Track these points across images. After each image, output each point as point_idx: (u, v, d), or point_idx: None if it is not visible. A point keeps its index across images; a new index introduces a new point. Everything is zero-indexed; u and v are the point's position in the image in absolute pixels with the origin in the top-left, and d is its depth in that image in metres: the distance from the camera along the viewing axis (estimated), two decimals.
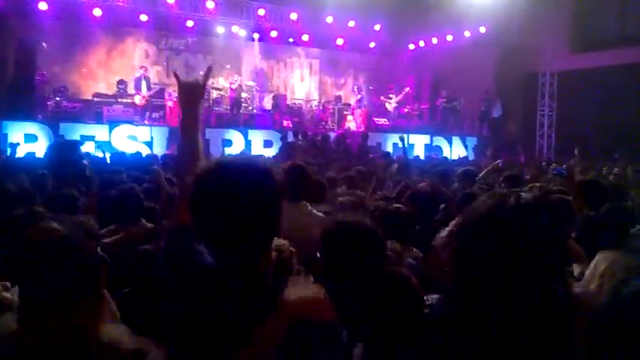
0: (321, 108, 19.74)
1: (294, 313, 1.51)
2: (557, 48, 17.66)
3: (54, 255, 1.56)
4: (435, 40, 20.55)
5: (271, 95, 19.86)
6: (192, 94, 2.10)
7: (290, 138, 14.70)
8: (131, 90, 16.82)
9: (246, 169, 1.61)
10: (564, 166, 6.28)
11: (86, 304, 1.58)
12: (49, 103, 15.49)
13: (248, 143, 15.52)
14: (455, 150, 17.55)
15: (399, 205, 3.98)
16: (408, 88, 20.15)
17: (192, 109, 2.08)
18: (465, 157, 15.36)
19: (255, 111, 18.88)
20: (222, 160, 1.68)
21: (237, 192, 1.55)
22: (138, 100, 16.24)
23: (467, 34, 19.22)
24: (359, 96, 19.48)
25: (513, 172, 6.99)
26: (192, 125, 2.06)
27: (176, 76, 2.21)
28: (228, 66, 19.52)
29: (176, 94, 14.98)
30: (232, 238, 1.57)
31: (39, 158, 8.41)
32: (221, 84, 18.91)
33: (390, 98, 19.52)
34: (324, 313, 1.55)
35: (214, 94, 18.28)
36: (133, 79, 17.04)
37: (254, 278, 1.58)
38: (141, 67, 17.15)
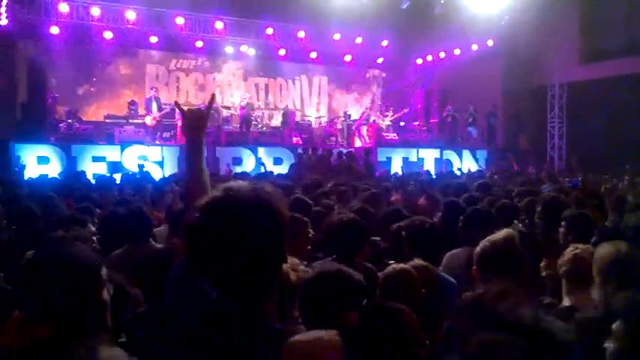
0: (330, 124, 19.80)
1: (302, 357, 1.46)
2: (566, 59, 17.61)
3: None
4: (442, 54, 20.62)
5: (281, 113, 19.99)
6: (196, 123, 2.13)
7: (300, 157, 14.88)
8: (142, 111, 17.00)
9: (252, 206, 1.46)
10: (579, 178, 6.26)
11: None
12: (61, 125, 15.69)
13: (258, 161, 15.59)
14: (465, 163, 17.49)
15: (426, 220, 3.93)
16: (407, 109, 20.18)
17: (195, 138, 2.10)
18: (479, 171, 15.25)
19: (264, 128, 18.99)
20: (225, 195, 1.51)
21: (240, 233, 1.43)
22: (149, 120, 16.40)
23: (474, 47, 19.26)
24: (365, 112, 19.53)
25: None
26: (195, 153, 2.08)
27: (177, 105, 2.21)
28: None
29: None
30: (234, 281, 1.46)
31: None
32: (231, 102, 19.10)
33: (386, 116, 19.56)
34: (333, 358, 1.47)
35: (224, 112, 18.43)
36: (143, 100, 17.23)
37: (259, 324, 1.49)
38: (151, 88, 17.33)
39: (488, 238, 2.65)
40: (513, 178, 10.31)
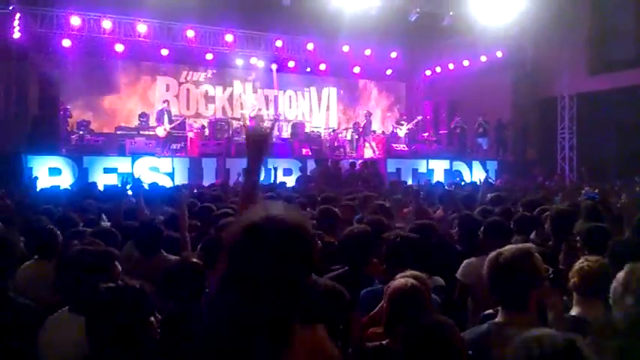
0: (339, 135, 19.80)
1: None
2: (575, 70, 17.58)
3: None
4: (451, 66, 20.64)
5: (290, 124, 20.06)
6: (259, 144, 2.29)
7: (310, 167, 14.81)
8: (153, 122, 17.14)
9: (291, 234, 1.57)
10: (597, 190, 6.15)
11: None
12: (72, 136, 15.83)
13: (268, 172, 15.60)
14: (475, 174, 17.43)
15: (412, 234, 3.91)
16: (420, 117, 20.24)
17: (258, 158, 2.30)
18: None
19: (274, 140, 19.03)
20: (269, 216, 1.59)
21: (278, 259, 1.52)
22: (160, 132, 16.53)
23: (483, 58, 19.27)
24: (364, 122, 19.44)
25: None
26: (256, 171, 2.28)
27: (245, 127, 2.39)
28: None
29: (196, 127, 15.22)
30: (266, 298, 1.53)
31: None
32: (240, 114, 19.20)
33: (402, 125, 19.61)
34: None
35: (234, 124, 18.52)
36: (155, 111, 17.37)
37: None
38: (164, 101, 17.45)
39: (504, 249, 2.61)
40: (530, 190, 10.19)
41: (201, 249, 3.89)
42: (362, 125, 19.26)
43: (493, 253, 2.60)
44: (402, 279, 2.85)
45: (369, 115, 19.62)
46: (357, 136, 19.23)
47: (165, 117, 16.83)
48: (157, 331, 2.32)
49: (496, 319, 2.53)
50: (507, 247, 2.64)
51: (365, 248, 3.82)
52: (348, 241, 3.88)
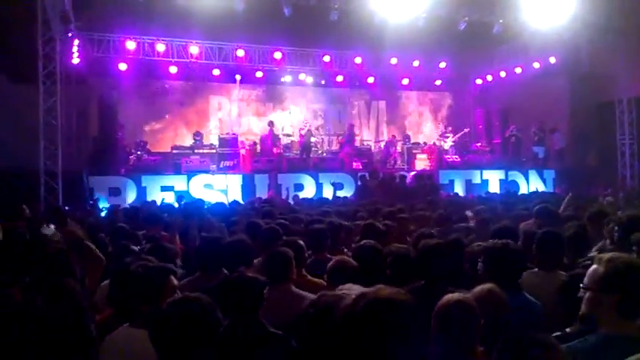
0: (390, 148, 19.66)
1: None
2: (632, 74, 16.90)
3: None
4: (503, 74, 20.26)
5: (339, 137, 20.08)
6: None
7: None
8: (207, 141, 17.61)
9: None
10: None
11: None
12: (130, 157, 16.33)
13: (319, 186, 15.66)
14: (532, 184, 16.97)
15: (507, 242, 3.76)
16: (467, 129, 19.89)
17: None
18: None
19: (324, 154, 19.10)
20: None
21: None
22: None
23: (536, 65, 18.83)
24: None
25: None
26: None
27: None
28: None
29: (248, 143, 15.39)
30: None
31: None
32: (291, 130, 19.38)
33: (447, 137, 19.32)
34: None
35: (284, 140, 18.70)
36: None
37: None
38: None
39: (610, 255, 2.49)
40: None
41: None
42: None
43: (605, 256, 2.48)
44: (450, 296, 2.77)
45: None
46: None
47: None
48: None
49: (603, 330, 2.39)
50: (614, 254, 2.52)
51: (441, 262, 3.69)
52: (422, 255, 3.78)
